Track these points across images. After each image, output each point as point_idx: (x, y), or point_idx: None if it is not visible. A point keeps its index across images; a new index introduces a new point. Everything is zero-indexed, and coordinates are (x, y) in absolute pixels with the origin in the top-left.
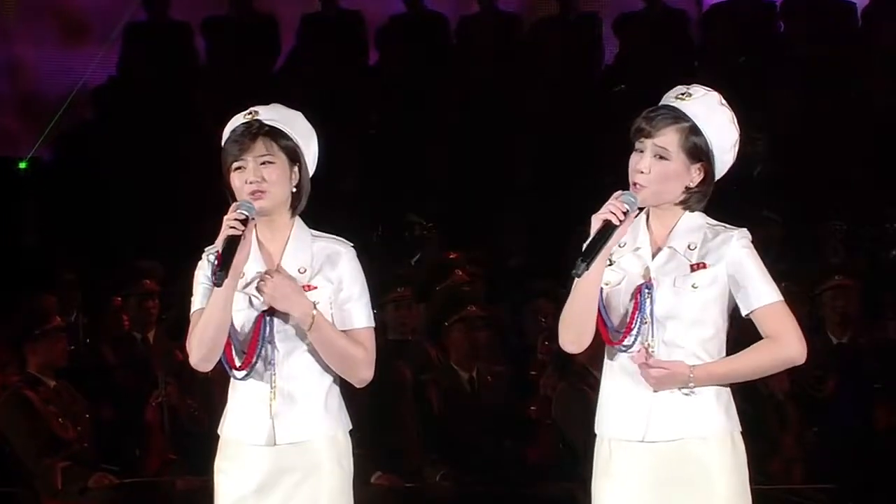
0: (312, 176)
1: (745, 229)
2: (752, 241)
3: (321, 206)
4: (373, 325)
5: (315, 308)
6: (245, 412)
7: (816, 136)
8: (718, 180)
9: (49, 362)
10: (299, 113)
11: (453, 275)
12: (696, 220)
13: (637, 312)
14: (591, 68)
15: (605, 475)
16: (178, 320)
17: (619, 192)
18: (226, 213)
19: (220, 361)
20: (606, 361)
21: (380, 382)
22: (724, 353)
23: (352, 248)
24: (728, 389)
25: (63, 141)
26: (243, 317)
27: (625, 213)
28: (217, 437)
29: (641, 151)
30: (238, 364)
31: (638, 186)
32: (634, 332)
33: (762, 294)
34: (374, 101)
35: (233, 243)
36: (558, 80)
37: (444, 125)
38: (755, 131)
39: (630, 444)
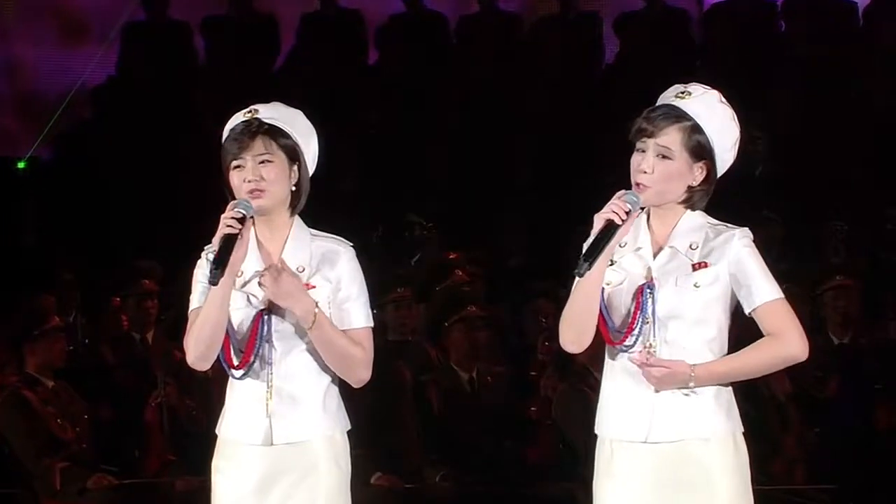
0: (312, 175)
1: (746, 228)
2: (754, 240)
3: (321, 206)
4: (371, 325)
5: (317, 306)
6: (242, 412)
7: (816, 136)
8: (719, 180)
9: (48, 362)
10: (299, 111)
11: (453, 275)
12: (698, 220)
13: (639, 312)
14: (591, 68)
15: (608, 476)
16: (177, 320)
17: (622, 191)
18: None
19: (218, 360)
20: (607, 362)
21: (380, 383)
22: (726, 353)
23: (351, 248)
24: (730, 390)
25: (62, 141)
26: (241, 315)
27: (627, 213)
28: (215, 437)
29: (643, 151)
30: (236, 363)
31: (641, 186)
32: (636, 332)
33: (763, 292)
34: (374, 100)
35: (229, 242)
36: (558, 80)
37: (444, 125)
38: (755, 131)
39: (632, 445)
